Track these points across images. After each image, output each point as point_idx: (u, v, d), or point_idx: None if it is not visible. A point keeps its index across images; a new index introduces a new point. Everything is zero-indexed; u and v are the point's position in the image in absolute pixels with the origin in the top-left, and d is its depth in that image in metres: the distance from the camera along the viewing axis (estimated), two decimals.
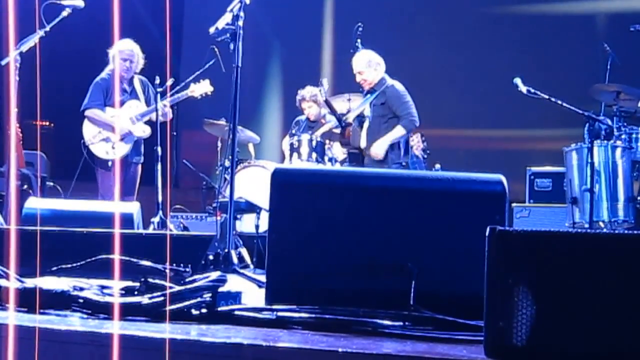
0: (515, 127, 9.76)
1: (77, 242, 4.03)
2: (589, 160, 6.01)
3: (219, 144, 8.24)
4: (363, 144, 6.96)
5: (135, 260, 3.30)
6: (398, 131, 6.79)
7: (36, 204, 5.15)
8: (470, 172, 2.93)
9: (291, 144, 7.39)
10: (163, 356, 2.21)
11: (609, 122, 6.45)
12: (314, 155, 7.25)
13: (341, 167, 7.17)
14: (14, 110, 5.56)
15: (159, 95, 6.63)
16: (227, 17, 4.68)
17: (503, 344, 2.08)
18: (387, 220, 2.78)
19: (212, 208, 7.56)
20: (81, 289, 2.79)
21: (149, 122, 6.89)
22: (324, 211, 2.82)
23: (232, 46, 4.64)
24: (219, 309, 2.66)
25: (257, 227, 5.94)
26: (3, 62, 5.77)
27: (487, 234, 2.14)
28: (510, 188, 2.78)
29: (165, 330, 2.38)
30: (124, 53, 6.84)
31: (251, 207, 6.23)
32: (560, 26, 9.77)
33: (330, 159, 7.30)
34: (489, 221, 2.29)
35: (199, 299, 2.65)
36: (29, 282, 2.86)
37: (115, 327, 2.43)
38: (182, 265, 3.48)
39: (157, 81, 6.64)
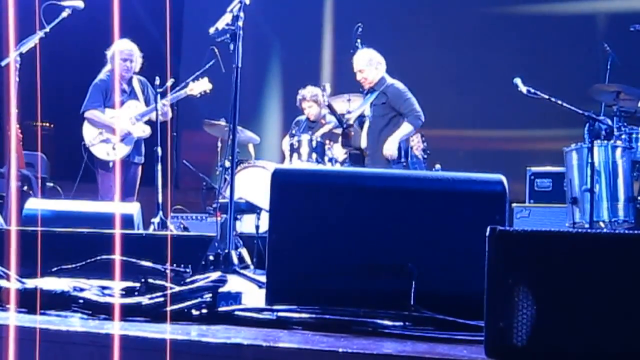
0: (515, 127, 9.76)
1: (78, 242, 4.04)
2: (589, 161, 6.01)
3: (219, 144, 8.24)
4: (364, 144, 6.97)
5: (135, 260, 3.30)
6: (406, 128, 6.80)
7: (36, 204, 5.15)
8: (470, 172, 2.93)
9: (291, 145, 7.40)
10: (163, 357, 2.21)
11: (609, 122, 6.46)
12: (314, 155, 7.25)
13: (341, 168, 7.17)
14: (14, 111, 5.56)
15: (159, 96, 6.63)
16: (227, 18, 4.68)
17: (503, 344, 2.08)
18: (387, 220, 2.78)
19: (212, 208, 7.55)
20: (81, 290, 2.79)
21: (148, 122, 6.90)
22: (324, 211, 2.82)
23: (232, 47, 4.64)
24: (219, 309, 2.67)
25: (257, 227, 5.94)
26: (3, 63, 5.77)
27: (487, 234, 2.14)
28: (510, 188, 2.78)
29: (166, 331, 2.38)
30: (124, 53, 6.84)
31: (251, 208, 6.23)
32: (560, 26, 9.77)
33: (330, 160, 7.30)
34: (489, 221, 2.29)
35: (199, 300, 2.65)
36: (30, 283, 2.86)
37: (116, 328, 2.43)
38: (182, 265, 3.48)
39: (157, 82, 6.65)
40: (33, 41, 5.86)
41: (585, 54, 9.14)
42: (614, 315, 2.04)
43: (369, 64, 6.91)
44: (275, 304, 2.71)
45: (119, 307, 2.59)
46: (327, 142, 7.44)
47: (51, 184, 8.26)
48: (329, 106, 7.28)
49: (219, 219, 5.90)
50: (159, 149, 6.55)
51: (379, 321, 2.57)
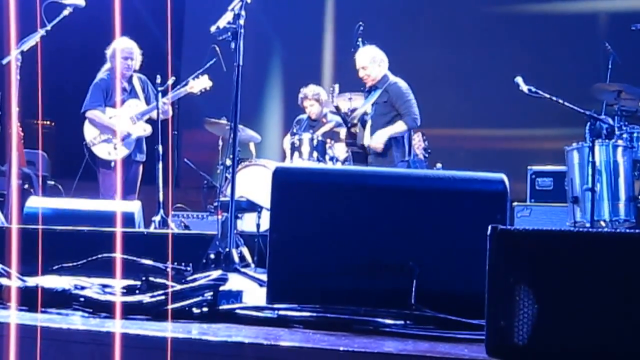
0: (517, 126, 9.76)
1: (78, 241, 4.03)
2: (590, 160, 6.01)
3: (220, 143, 8.24)
4: (367, 142, 6.96)
5: (136, 259, 3.30)
6: (399, 126, 6.78)
7: (37, 202, 5.15)
8: (471, 171, 2.92)
9: (292, 143, 7.39)
10: (164, 355, 2.21)
11: (610, 122, 6.45)
12: (315, 154, 7.25)
13: (342, 166, 7.16)
14: (15, 109, 5.56)
15: (159, 94, 6.63)
16: (228, 16, 4.68)
17: (504, 343, 2.08)
18: (388, 219, 2.78)
19: (213, 207, 7.57)
20: (82, 288, 2.79)
21: (149, 121, 6.90)
22: (325, 210, 2.82)
23: (233, 45, 4.64)
24: (220, 307, 2.67)
25: (258, 226, 5.94)
26: (4, 61, 5.77)
27: (488, 233, 2.14)
28: (511, 187, 2.78)
29: (167, 329, 2.38)
30: (125, 51, 6.84)
31: (252, 206, 6.23)
32: (561, 25, 9.77)
33: (331, 158, 7.30)
34: (490, 220, 2.29)
35: (200, 298, 2.65)
36: (31, 281, 2.86)
37: (117, 326, 2.43)
38: (183, 264, 3.48)
39: (159, 80, 6.64)
40: (34, 39, 5.86)
41: (586, 53, 9.14)
42: (615, 315, 2.03)
43: (373, 61, 6.90)
44: (276, 302, 2.71)
45: (119, 306, 2.59)
46: (328, 140, 7.44)
47: (52, 182, 8.27)
48: (337, 108, 7.27)
49: (219, 217, 5.90)
50: (160, 148, 6.55)
51: (380, 320, 2.56)
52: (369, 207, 2.79)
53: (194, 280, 2.81)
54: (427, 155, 7.79)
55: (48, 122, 10.09)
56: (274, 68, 10.98)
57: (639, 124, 6.57)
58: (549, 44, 9.67)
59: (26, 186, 7.10)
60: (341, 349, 2.17)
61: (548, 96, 6.16)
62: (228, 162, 6.31)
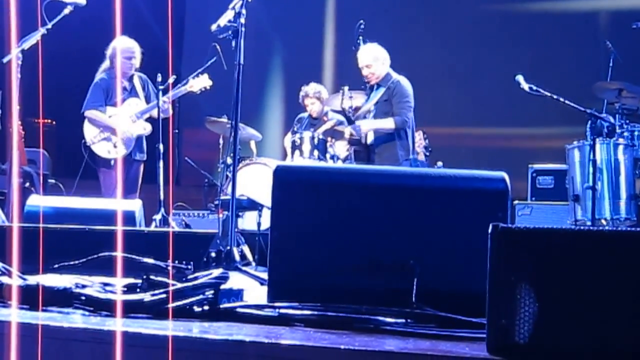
0: (517, 124, 9.76)
1: (79, 239, 4.04)
2: (591, 158, 6.01)
3: (221, 141, 8.24)
4: (370, 141, 6.93)
5: (137, 257, 3.30)
6: (387, 123, 6.71)
7: (38, 201, 5.16)
8: (472, 169, 2.92)
9: (293, 142, 7.39)
10: (165, 353, 2.21)
11: (611, 120, 6.45)
12: (315, 152, 7.24)
13: (343, 165, 7.15)
14: (16, 107, 5.56)
15: (160, 93, 6.63)
16: (228, 15, 4.68)
17: (505, 342, 2.07)
18: (389, 217, 2.78)
19: (214, 205, 7.57)
20: (83, 287, 2.79)
21: (149, 119, 6.89)
22: (326, 208, 2.82)
23: (233, 43, 4.64)
24: (221, 306, 2.67)
25: (259, 224, 5.94)
26: (5, 60, 5.76)
27: (489, 231, 2.14)
28: (512, 185, 2.78)
29: (168, 328, 2.38)
30: (126, 51, 6.84)
31: (253, 205, 6.23)
32: (562, 24, 9.76)
33: (332, 157, 7.29)
34: (491, 218, 2.29)
35: (201, 297, 2.65)
36: (31, 280, 2.86)
37: (118, 325, 2.43)
38: (184, 262, 3.48)
39: (159, 79, 6.64)
40: (35, 38, 5.86)
41: (587, 52, 9.13)
42: (616, 313, 2.03)
43: (376, 59, 6.87)
44: (277, 300, 2.71)
45: (120, 304, 2.59)
46: (329, 139, 7.43)
47: (53, 181, 8.28)
48: (343, 109, 7.25)
49: (220, 215, 5.90)
50: (161, 146, 6.55)
51: (381, 318, 2.56)
52: (370, 205, 2.79)
53: (195, 278, 2.81)
54: (428, 153, 7.78)
55: (49, 121, 10.09)
56: (274, 66, 10.98)
57: None
58: (550, 42, 9.66)
59: (27, 185, 7.10)
60: (342, 347, 2.17)
61: (549, 94, 6.15)
62: (229, 161, 6.31)
